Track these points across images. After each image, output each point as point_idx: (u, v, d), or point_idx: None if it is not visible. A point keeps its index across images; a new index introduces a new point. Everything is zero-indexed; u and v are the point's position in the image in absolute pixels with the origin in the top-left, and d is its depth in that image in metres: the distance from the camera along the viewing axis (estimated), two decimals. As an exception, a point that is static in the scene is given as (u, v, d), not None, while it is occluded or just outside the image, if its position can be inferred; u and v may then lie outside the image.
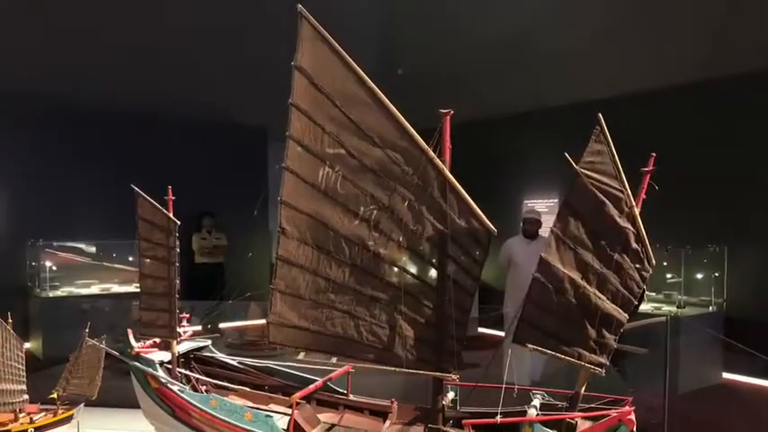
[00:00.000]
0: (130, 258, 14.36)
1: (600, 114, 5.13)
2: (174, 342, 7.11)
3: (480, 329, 15.18)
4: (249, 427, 6.04)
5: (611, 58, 13.61)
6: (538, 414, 5.58)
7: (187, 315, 7.42)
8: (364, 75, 5.36)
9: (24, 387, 7.91)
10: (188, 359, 7.52)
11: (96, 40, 13.62)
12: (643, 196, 5.34)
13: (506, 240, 11.60)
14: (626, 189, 5.21)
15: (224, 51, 15.12)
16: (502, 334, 11.44)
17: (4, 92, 13.82)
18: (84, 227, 15.02)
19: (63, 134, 15.38)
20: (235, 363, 7.52)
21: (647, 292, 11.32)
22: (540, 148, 15.30)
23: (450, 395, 6.12)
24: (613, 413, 5.35)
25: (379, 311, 5.76)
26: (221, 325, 13.97)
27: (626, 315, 5.40)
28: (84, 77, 14.24)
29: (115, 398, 8.21)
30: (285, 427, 6.04)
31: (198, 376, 7.28)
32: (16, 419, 7.73)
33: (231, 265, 17.01)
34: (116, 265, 14.91)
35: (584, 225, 5.33)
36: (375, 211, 5.61)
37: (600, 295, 5.36)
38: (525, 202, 17.23)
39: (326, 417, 6.65)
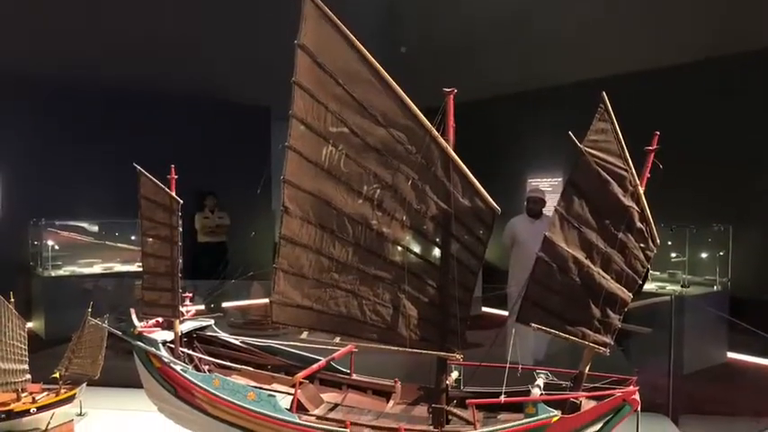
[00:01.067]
0: (133, 237, 14.37)
1: (604, 93, 5.10)
2: (177, 321, 7.08)
3: (484, 309, 15.18)
4: (252, 407, 6.02)
5: (614, 37, 13.56)
6: (542, 393, 5.57)
7: (190, 294, 7.39)
8: (367, 53, 5.33)
9: (26, 367, 7.89)
10: (191, 339, 7.50)
11: (97, 18, 13.57)
12: (647, 175, 5.29)
13: (510, 219, 11.56)
14: (630, 168, 5.19)
15: (227, 29, 15.07)
16: (506, 313, 11.43)
17: (3, 70, 13.79)
18: (87, 206, 15.02)
19: (64, 112, 15.35)
20: (238, 342, 7.50)
21: (651, 272, 11.36)
22: (543, 126, 15.25)
23: (454, 375, 6.12)
24: (617, 393, 5.34)
25: (382, 291, 5.74)
26: (224, 304, 13.96)
27: (630, 294, 5.38)
28: (85, 55, 14.19)
29: (118, 377, 8.22)
30: (288, 407, 6.03)
31: (201, 356, 7.26)
32: (18, 399, 7.72)
33: (234, 244, 17.02)
34: (118, 245, 14.92)
35: (589, 204, 5.30)
36: (378, 190, 5.59)
37: (604, 275, 5.34)
38: (529, 180, 17.22)
39: (330, 396, 6.66)
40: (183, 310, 7.17)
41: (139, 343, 6.97)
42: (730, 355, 11.93)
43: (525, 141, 17.01)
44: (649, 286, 11.54)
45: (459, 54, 15.45)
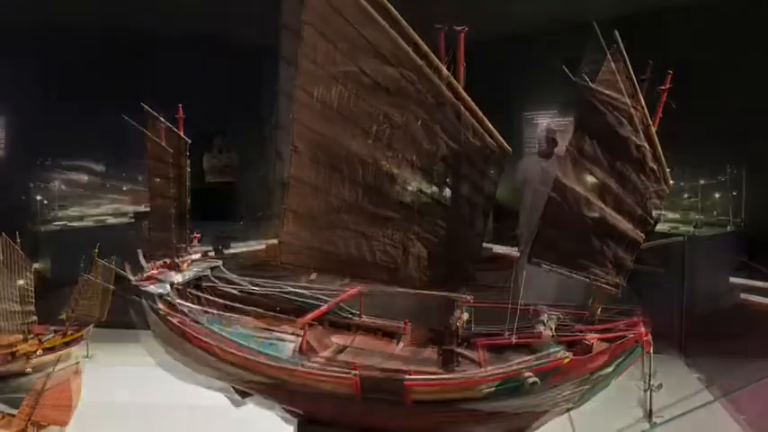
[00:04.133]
0: (140, 178, 14.30)
1: (617, 32, 5.01)
2: (186, 262, 7.05)
3: (495, 249, 15.12)
4: (260, 349, 6.01)
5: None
6: (553, 336, 5.55)
7: (198, 235, 7.35)
8: (377, -9, 5.23)
9: (33, 308, 7.89)
10: (199, 281, 7.47)
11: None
12: (660, 114, 5.21)
13: (522, 159, 11.45)
14: (643, 107, 5.11)
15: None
16: (516, 253, 11.38)
17: (3, 13, 13.61)
18: (93, 147, 14.92)
19: (69, 55, 15.18)
20: (246, 284, 7.47)
21: (663, 212, 11.30)
22: (551, 65, 15.07)
23: (465, 316, 6.08)
24: (630, 335, 5.32)
25: (392, 231, 5.70)
26: (233, 247, 13.94)
27: (642, 235, 5.34)
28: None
29: (125, 319, 8.20)
30: (297, 349, 6.02)
31: (209, 297, 7.24)
32: (25, 341, 7.74)
33: (243, 184, 16.89)
34: (125, 186, 14.85)
35: (600, 144, 5.24)
36: (388, 130, 5.52)
37: (616, 215, 5.29)
38: (524, 114, 17.04)
39: (338, 338, 6.62)
40: (190, 251, 7.13)
41: (148, 288, 6.94)
42: (743, 295, 11.86)
43: (532, 80, 16.81)
44: (662, 227, 11.47)
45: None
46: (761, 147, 11.84)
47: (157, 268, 7.27)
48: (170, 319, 6.68)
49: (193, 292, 7.16)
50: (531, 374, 5.28)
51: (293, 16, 5.40)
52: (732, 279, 11.61)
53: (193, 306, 6.81)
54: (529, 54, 16.40)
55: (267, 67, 17.58)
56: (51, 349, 7.71)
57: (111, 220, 13.77)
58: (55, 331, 7.98)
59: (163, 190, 7.10)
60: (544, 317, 5.72)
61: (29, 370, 7.55)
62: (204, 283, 7.49)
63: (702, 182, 11.97)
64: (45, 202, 14.10)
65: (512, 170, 11.19)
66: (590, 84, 5.10)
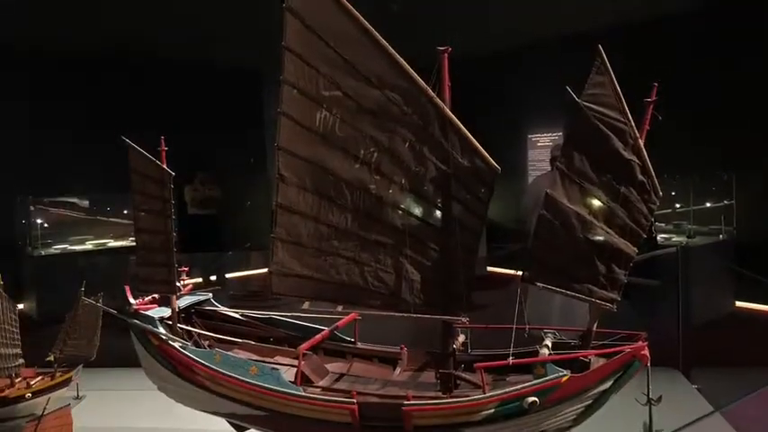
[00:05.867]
0: (125, 212, 14.22)
1: (600, 46, 5.00)
2: (174, 297, 6.96)
3: (489, 268, 15.12)
4: (255, 381, 5.93)
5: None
6: (550, 354, 5.50)
7: (186, 268, 7.26)
8: (357, 13, 5.19)
9: (19, 351, 7.78)
10: (189, 314, 7.39)
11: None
12: (647, 127, 5.21)
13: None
14: (630, 121, 5.10)
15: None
16: (511, 272, 11.37)
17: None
18: (76, 181, 14.85)
19: (49, 84, 15.12)
20: (238, 315, 7.39)
21: (656, 223, 11.30)
22: (543, 81, 15.11)
23: (461, 338, 6.04)
24: (627, 349, 5.28)
25: (384, 256, 5.66)
26: (216, 276, 13.88)
27: (635, 249, 5.31)
28: (71, 23, 13.90)
29: (115, 358, 8.11)
30: (292, 380, 5.93)
31: (200, 331, 7.16)
32: (12, 385, 7.61)
33: (229, 214, 16.84)
34: (111, 219, 14.78)
35: (589, 159, 5.21)
36: (376, 154, 5.48)
37: (608, 230, 5.27)
38: (529, 137, 17.12)
39: (335, 366, 6.57)
40: (179, 284, 7.04)
41: (136, 321, 6.85)
42: (738, 303, 11.89)
43: (525, 97, 16.88)
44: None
45: (453, 9, 15.16)
46: (751, 153, 11.90)
47: (146, 303, 7.17)
48: (164, 350, 6.60)
49: (183, 327, 7.07)
50: (530, 394, 5.25)
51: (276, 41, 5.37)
52: (726, 287, 11.64)
53: (184, 341, 6.72)
54: (517, 70, 16.48)
55: (254, 93, 17.62)
56: (40, 392, 7.60)
57: (98, 257, 13.66)
58: (43, 374, 7.86)
59: (148, 224, 7.01)
60: (548, 341, 5.69)
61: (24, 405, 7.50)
62: (194, 317, 7.42)
63: (693, 191, 12.03)
64: (28, 239, 13.99)
65: (502, 188, 11.15)
66: (577, 98, 5.08)
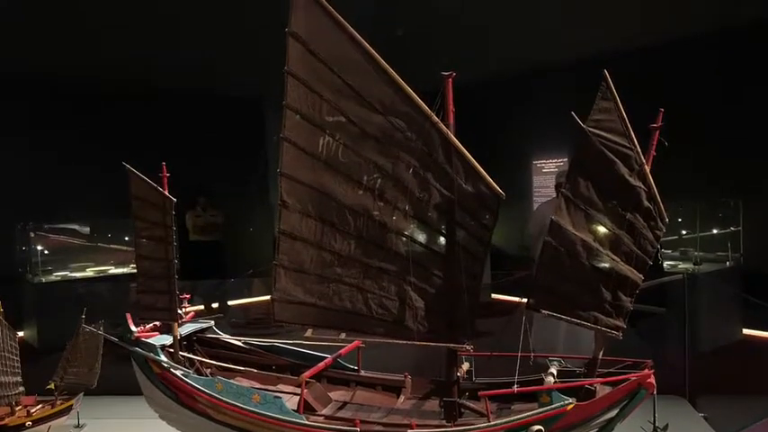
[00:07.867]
0: (127, 238, 14.18)
1: (605, 71, 4.98)
2: (176, 324, 6.91)
3: (493, 295, 15.05)
4: (257, 410, 5.87)
5: (615, 11, 13.39)
6: (555, 381, 5.45)
7: (188, 295, 7.21)
8: (361, 38, 5.16)
9: (20, 379, 7.73)
10: (191, 341, 7.34)
11: (82, 18, 13.30)
12: (653, 153, 5.18)
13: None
14: (636, 146, 5.07)
15: (217, 17, 14.76)
16: (515, 299, 11.32)
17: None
18: (77, 207, 14.82)
19: (50, 111, 15.14)
20: (240, 343, 7.34)
21: (662, 250, 11.26)
22: (548, 107, 15.12)
23: (466, 366, 5.99)
24: (632, 377, 5.23)
25: (387, 283, 5.60)
26: (218, 303, 13.83)
27: (641, 276, 5.28)
28: (72, 51, 13.91)
29: (116, 386, 8.04)
30: (295, 408, 5.88)
31: (202, 359, 7.11)
32: (13, 413, 7.55)
33: (231, 241, 16.80)
34: (112, 246, 14.73)
35: (594, 185, 5.19)
36: (379, 180, 5.44)
37: (614, 256, 5.23)
38: (534, 162, 17.11)
39: (338, 394, 6.51)
40: (181, 312, 6.99)
41: (137, 349, 6.81)
42: (746, 331, 11.83)
43: (530, 123, 16.88)
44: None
45: (458, 35, 15.18)
46: (757, 179, 11.89)
47: (148, 331, 7.12)
48: (165, 378, 6.55)
49: (185, 354, 7.02)
50: (535, 422, 5.21)
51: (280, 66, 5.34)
52: (734, 315, 11.58)
53: (186, 369, 6.67)
54: (523, 95, 16.47)
55: (256, 119, 17.64)
56: (41, 420, 7.55)
57: (99, 284, 13.60)
58: (43, 402, 7.80)
59: (150, 251, 6.96)
60: (553, 368, 5.64)
61: None
62: (196, 345, 7.37)
63: (699, 217, 12.01)
64: (28, 267, 13.94)
65: (506, 215, 11.13)
66: (582, 124, 5.06)
